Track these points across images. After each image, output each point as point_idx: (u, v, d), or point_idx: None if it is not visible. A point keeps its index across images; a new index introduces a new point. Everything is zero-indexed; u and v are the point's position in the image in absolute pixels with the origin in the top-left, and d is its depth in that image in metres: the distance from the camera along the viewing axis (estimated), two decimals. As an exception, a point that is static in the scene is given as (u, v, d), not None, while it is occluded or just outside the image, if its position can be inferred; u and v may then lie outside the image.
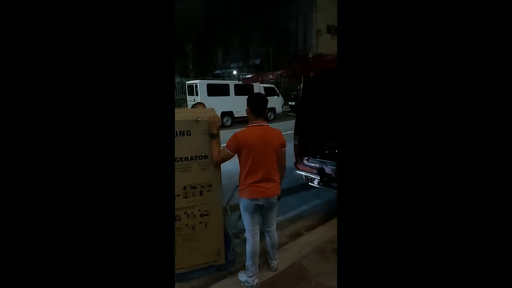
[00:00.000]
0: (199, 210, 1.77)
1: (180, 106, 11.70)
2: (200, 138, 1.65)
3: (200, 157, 1.68)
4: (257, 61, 18.84)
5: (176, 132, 1.59)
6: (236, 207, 2.17)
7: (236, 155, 1.65)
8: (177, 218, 1.72)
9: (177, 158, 1.63)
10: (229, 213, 2.49)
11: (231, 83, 9.34)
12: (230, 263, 2.01)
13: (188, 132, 1.62)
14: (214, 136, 1.67)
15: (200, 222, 1.80)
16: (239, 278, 1.84)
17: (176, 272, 1.82)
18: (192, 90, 9.08)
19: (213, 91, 8.71)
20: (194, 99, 8.90)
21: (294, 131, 3.30)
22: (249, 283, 1.77)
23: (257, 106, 1.67)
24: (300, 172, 3.22)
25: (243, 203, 1.70)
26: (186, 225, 1.76)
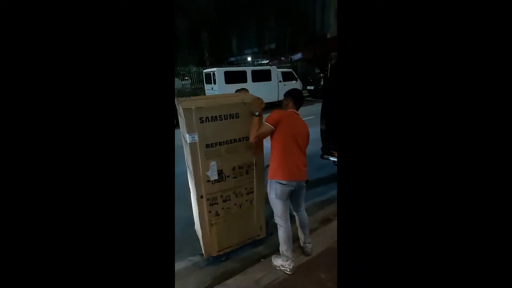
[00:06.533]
0: (246, 189, 1.87)
1: (197, 95, 11.76)
2: (247, 120, 1.72)
3: (247, 138, 1.75)
4: (272, 46, 18.35)
5: (226, 115, 1.65)
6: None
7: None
8: (227, 199, 1.82)
9: (228, 140, 1.70)
10: None
11: (248, 70, 9.20)
12: (268, 236, 2.11)
13: (237, 114, 1.68)
14: (258, 115, 1.72)
15: (246, 200, 1.90)
16: (274, 262, 1.84)
17: (224, 252, 1.93)
18: (209, 79, 9.06)
19: (230, 78, 8.62)
20: (211, 88, 8.89)
21: (321, 115, 3.20)
22: (285, 267, 1.77)
23: (300, 100, 1.79)
24: (329, 157, 3.13)
25: (276, 189, 1.69)
26: (235, 204, 1.86)
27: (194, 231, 2.25)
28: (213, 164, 1.69)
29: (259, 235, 2.03)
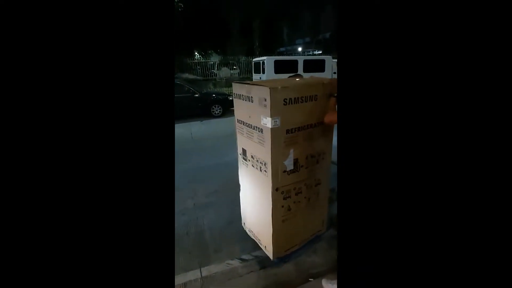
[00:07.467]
0: (315, 180, 1.68)
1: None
2: (324, 102, 1.51)
3: (321, 123, 1.54)
4: (327, 35, 17.23)
5: (307, 97, 1.44)
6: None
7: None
8: (299, 192, 1.61)
9: (305, 125, 1.48)
10: None
11: (300, 59, 8.68)
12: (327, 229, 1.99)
13: (315, 96, 1.46)
14: (335, 96, 1.50)
15: (314, 193, 1.71)
16: (324, 287, 1.49)
17: (291, 251, 1.74)
18: (258, 68, 8.83)
19: (280, 68, 8.24)
20: (259, 77, 8.65)
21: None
22: None
23: None
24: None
25: None
26: (305, 197, 1.66)
27: (237, 231, 2.01)
28: (291, 152, 1.48)
29: (320, 230, 1.89)
